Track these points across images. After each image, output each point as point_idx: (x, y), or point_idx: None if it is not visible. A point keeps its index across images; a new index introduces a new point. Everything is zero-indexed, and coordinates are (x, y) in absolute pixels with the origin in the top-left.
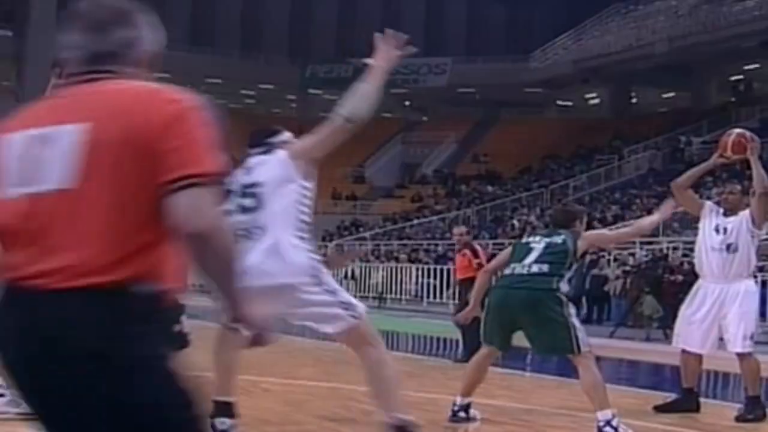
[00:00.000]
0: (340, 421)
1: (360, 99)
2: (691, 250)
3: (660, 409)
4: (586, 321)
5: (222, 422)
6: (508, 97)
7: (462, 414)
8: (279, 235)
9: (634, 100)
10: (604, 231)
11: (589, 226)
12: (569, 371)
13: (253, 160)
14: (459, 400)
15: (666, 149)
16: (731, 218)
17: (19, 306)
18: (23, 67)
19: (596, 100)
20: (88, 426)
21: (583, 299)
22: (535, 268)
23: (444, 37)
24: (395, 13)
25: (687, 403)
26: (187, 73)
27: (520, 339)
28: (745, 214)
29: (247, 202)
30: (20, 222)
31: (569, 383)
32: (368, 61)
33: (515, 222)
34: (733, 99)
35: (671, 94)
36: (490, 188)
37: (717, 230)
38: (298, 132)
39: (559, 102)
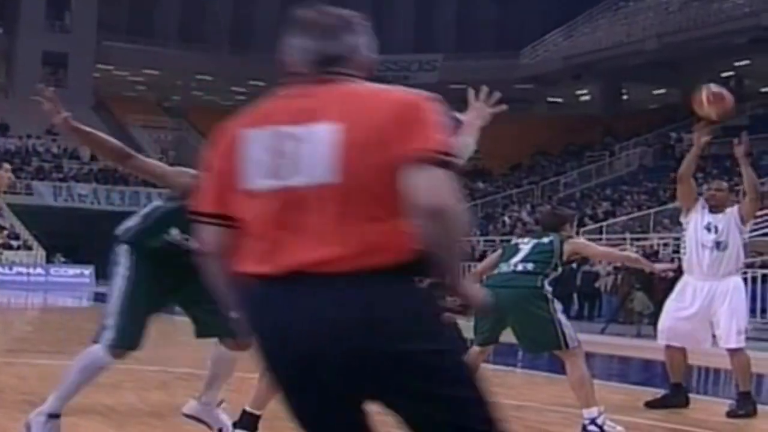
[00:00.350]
0: None
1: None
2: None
3: (650, 405)
4: (577, 317)
5: None
6: (498, 94)
7: None
8: None
9: (624, 97)
10: (593, 244)
11: (580, 223)
12: (560, 368)
13: None
14: None
15: (657, 145)
16: (720, 215)
17: (289, 297)
18: (12, 64)
19: (587, 97)
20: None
21: (575, 296)
22: (520, 267)
23: (434, 33)
24: (385, 10)
25: (676, 398)
26: (179, 70)
27: (512, 336)
28: (732, 210)
29: None
30: (273, 214)
31: (560, 379)
32: (460, 116)
33: (506, 219)
34: None
35: (662, 91)
36: (480, 185)
37: (708, 228)
38: None
39: (550, 98)
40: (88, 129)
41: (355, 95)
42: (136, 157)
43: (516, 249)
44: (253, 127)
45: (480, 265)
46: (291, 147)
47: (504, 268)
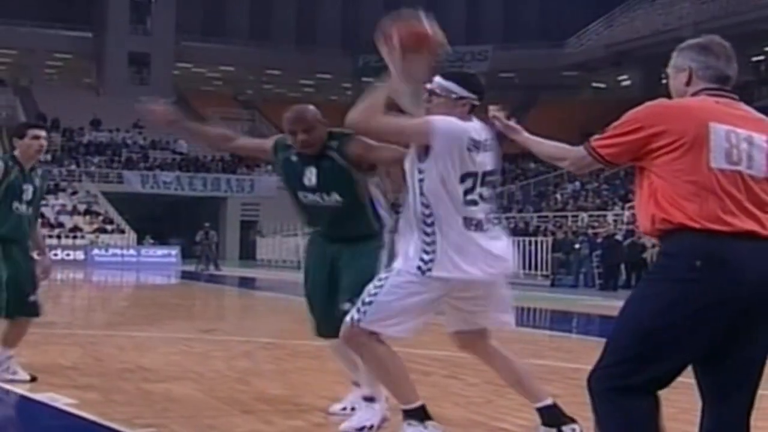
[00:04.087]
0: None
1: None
2: None
3: None
4: (624, 287)
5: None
6: (545, 81)
7: None
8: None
9: (663, 81)
10: None
11: (626, 199)
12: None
13: (487, 142)
14: None
15: None
16: None
17: (753, 252)
18: (102, 65)
19: (628, 82)
20: None
21: (622, 266)
22: None
23: (484, 26)
24: (437, 5)
25: None
26: (251, 65)
27: (566, 304)
28: None
29: (487, 192)
30: (734, 190)
31: None
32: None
33: (558, 196)
34: (754, 78)
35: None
36: (532, 165)
37: None
38: None
39: (594, 84)
40: (192, 125)
41: (760, 115)
42: (238, 138)
43: None
44: (717, 122)
45: None
46: (746, 147)
47: None
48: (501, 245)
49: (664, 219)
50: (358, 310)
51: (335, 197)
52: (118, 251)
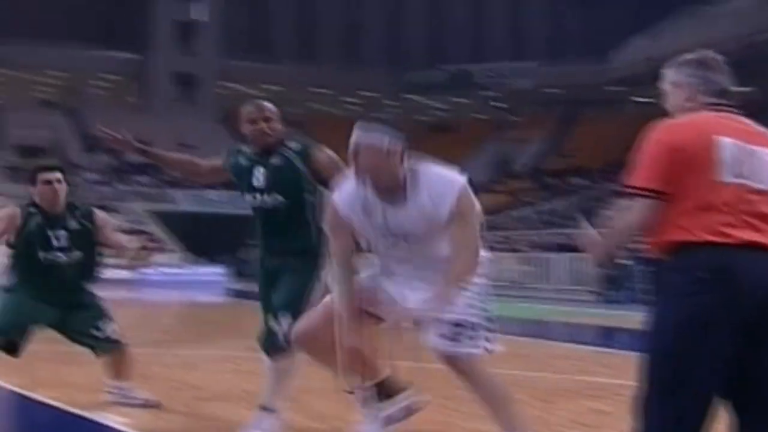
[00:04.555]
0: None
1: None
2: None
3: None
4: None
5: None
6: (589, 96)
7: None
8: None
9: None
10: None
11: None
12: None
13: None
14: None
15: None
16: None
17: (756, 262)
18: (145, 85)
19: None
20: None
21: None
22: None
23: (528, 43)
24: (483, 23)
25: None
26: (295, 84)
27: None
28: None
29: None
30: (737, 202)
31: None
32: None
33: (605, 211)
34: None
35: (743, 89)
36: (578, 180)
37: None
38: None
39: (637, 99)
40: (162, 153)
41: (761, 129)
42: (201, 164)
43: None
44: (720, 135)
45: None
46: (749, 159)
47: None
48: None
49: (668, 238)
50: (487, 339)
51: (277, 197)
52: (166, 270)
